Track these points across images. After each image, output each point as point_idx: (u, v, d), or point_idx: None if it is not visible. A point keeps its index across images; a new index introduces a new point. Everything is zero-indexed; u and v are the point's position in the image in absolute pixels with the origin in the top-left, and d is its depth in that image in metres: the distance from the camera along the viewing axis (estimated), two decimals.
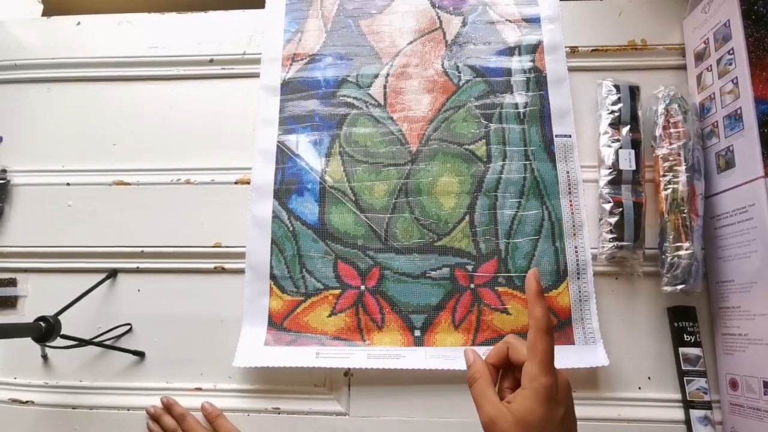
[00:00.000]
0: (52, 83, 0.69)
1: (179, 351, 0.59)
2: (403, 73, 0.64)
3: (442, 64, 0.64)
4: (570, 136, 0.61)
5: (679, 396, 0.55)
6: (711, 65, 0.58)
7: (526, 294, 0.40)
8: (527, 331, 0.38)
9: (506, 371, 0.41)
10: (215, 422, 0.55)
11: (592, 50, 0.64)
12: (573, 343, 0.55)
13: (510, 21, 0.65)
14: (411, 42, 0.65)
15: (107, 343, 0.58)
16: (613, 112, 0.59)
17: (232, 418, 0.56)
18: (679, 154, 0.56)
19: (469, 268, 0.58)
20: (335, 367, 0.56)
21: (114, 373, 0.59)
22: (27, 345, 0.51)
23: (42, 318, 0.50)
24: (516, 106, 0.62)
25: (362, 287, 0.58)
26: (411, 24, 0.66)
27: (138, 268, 0.62)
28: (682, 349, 0.55)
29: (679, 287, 0.54)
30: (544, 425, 0.35)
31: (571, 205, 0.59)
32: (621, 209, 0.56)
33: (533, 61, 0.63)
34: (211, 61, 0.67)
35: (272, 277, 0.59)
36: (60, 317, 0.51)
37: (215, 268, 0.61)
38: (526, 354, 0.37)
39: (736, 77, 0.54)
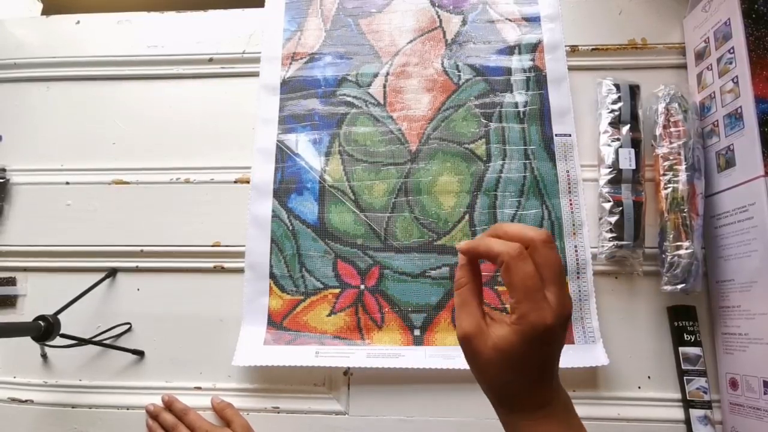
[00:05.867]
0: (51, 82, 0.69)
1: (179, 350, 0.59)
2: (402, 72, 0.64)
3: (442, 63, 0.64)
4: (570, 135, 0.61)
5: (678, 395, 0.54)
6: (711, 64, 0.58)
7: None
8: None
9: None
10: (224, 413, 0.55)
11: (592, 49, 0.64)
12: (573, 343, 0.55)
13: (510, 20, 0.65)
14: (411, 41, 0.65)
15: (107, 342, 0.58)
16: (613, 111, 0.59)
17: None
18: (679, 153, 0.56)
19: None
20: (335, 366, 0.56)
21: (113, 372, 0.59)
22: (26, 344, 0.51)
23: (41, 317, 0.50)
24: (516, 105, 0.62)
25: (362, 286, 0.58)
26: (411, 23, 0.66)
27: (137, 267, 0.62)
28: (681, 349, 0.55)
29: (679, 286, 0.54)
30: (524, 362, 0.32)
31: (570, 204, 0.59)
32: (621, 208, 0.56)
33: (533, 60, 0.63)
34: (211, 60, 0.67)
35: (272, 276, 0.59)
36: (59, 316, 0.51)
37: (215, 267, 0.61)
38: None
39: (737, 76, 0.54)
